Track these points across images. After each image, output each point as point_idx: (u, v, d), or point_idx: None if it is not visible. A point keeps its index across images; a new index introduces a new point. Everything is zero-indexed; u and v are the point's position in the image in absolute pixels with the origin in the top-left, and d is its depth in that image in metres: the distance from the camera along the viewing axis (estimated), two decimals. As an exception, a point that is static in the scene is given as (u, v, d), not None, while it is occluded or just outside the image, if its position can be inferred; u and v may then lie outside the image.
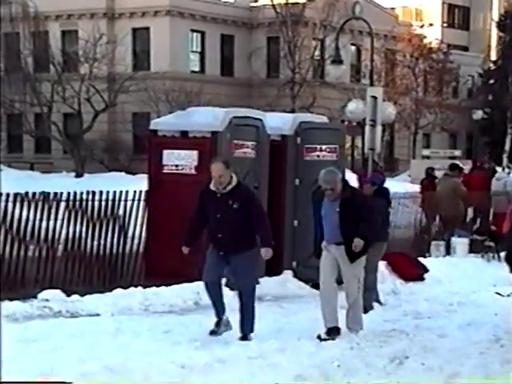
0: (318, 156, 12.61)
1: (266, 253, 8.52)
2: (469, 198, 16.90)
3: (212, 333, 8.70)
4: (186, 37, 41.41)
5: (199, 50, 42.50)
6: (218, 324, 8.79)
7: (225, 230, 8.48)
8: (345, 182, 8.83)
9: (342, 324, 8.97)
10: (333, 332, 8.70)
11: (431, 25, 50.78)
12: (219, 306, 8.85)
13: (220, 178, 8.43)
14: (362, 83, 40.22)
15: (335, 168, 9.18)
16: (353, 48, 44.40)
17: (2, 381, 5.97)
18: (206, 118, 11.72)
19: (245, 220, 8.45)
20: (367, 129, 15.18)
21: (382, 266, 12.32)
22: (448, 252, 15.74)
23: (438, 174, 18.96)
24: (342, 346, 8.43)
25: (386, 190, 11.09)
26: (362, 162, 24.16)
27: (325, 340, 8.54)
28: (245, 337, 8.62)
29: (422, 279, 12.99)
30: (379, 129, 15.19)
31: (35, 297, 10.04)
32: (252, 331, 8.71)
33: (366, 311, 10.51)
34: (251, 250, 8.58)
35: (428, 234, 16.92)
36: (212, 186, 8.56)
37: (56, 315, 9.64)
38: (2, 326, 6.26)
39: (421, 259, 13.89)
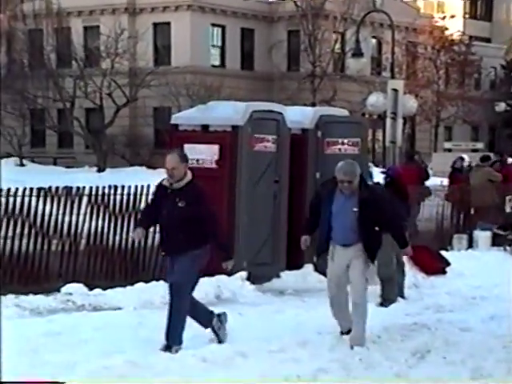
0: (340, 150, 12.61)
1: (228, 264, 8.06)
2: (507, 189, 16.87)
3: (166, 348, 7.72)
4: (206, 31, 41.45)
5: (220, 44, 42.53)
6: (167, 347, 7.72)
7: (169, 229, 7.87)
8: (362, 178, 8.15)
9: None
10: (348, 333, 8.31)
11: (453, 16, 50.45)
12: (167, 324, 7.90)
13: (173, 170, 7.79)
14: (383, 76, 40.07)
15: (355, 162, 8.43)
16: (374, 41, 44.23)
17: (2, 381, 6.00)
18: (226, 112, 11.74)
19: (190, 220, 7.74)
20: (388, 122, 15.16)
21: (403, 259, 12.32)
22: (470, 245, 15.69)
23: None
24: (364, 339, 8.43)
25: (397, 182, 11.08)
26: (382, 155, 24.09)
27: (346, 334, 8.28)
28: (168, 347, 7.68)
29: (444, 273, 12.96)
30: (400, 122, 15.18)
31: (58, 290, 10.12)
32: (179, 343, 7.75)
33: (387, 304, 10.54)
34: (194, 252, 7.81)
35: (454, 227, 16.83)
36: (165, 182, 8.00)
37: (79, 309, 9.72)
38: (3, 325, 6.30)
39: (443, 252, 13.85)
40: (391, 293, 10.74)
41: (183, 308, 7.84)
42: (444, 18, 48.98)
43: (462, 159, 19.66)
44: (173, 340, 7.75)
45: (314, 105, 35.45)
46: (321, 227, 8.18)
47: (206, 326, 8.15)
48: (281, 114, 12.01)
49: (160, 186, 8.07)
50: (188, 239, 7.78)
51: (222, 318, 8.23)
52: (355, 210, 7.99)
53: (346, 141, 12.62)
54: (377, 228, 8.12)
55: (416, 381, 7.14)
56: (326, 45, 41.76)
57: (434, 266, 12.90)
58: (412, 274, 12.35)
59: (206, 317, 8.14)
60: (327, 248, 8.22)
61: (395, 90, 14.99)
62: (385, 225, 8.15)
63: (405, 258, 12.41)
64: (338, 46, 43.09)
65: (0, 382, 5.99)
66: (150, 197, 8.42)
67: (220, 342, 8.08)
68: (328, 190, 8.15)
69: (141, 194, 11.71)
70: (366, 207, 7.98)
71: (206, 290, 10.62)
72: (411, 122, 43.91)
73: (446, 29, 47.73)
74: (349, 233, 8.05)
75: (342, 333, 8.39)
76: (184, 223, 7.74)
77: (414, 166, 16.79)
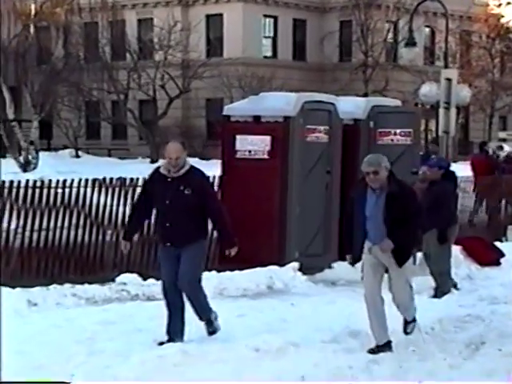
0: (392, 140, 12.57)
1: (232, 251, 7.74)
2: None
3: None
4: (258, 22, 41.49)
5: (271, 35, 42.53)
6: (162, 344, 7.51)
7: (174, 219, 7.51)
8: (391, 173, 7.57)
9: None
10: (384, 347, 7.62)
11: (509, 3, 49.66)
12: (174, 318, 7.72)
13: (177, 160, 7.50)
14: (436, 65, 39.66)
15: (381, 155, 7.81)
16: (427, 30, 43.82)
17: (2, 381, 6.07)
18: (278, 103, 11.76)
19: (196, 208, 7.52)
20: (441, 112, 15.06)
21: (457, 250, 12.23)
22: (525, 236, 15.51)
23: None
24: (417, 331, 8.41)
25: (453, 173, 11.01)
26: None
27: (377, 352, 7.50)
28: (209, 323, 7.78)
29: (498, 264, 12.82)
30: (453, 112, 15.04)
31: (113, 280, 10.26)
32: (212, 317, 7.80)
33: (440, 296, 10.49)
34: (201, 241, 7.69)
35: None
36: (163, 170, 7.62)
37: (133, 298, 9.85)
38: (4, 324, 6.38)
39: (497, 243, 13.71)
40: (444, 285, 10.68)
41: (202, 296, 7.76)
42: (500, 5, 48.20)
43: (501, 148, 19.35)
44: (207, 313, 7.74)
45: (366, 95, 35.24)
46: (356, 231, 7.69)
47: (200, 318, 7.90)
48: (333, 104, 11.99)
49: (156, 175, 7.69)
50: (197, 227, 7.59)
51: (215, 315, 7.99)
52: (382, 206, 7.50)
53: (398, 131, 12.57)
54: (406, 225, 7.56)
55: (470, 373, 7.08)
56: (379, 34, 41.50)
57: (489, 257, 12.78)
58: (466, 266, 12.27)
59: (180, 322, 7.80)
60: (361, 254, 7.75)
61: (449, 80, 14.86)
62: (405, 220, 7.51)
63: (459, 249, 12.36)
64: (390, 35, 42.80)
65: (0, 382, 6.04)
66: (140, 193, 8.00)
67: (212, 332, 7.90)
68: (360, 193, 7.67)
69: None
70: (392, 202, 7.48)
71: (257, 280, 10.69)
72: (465, 112, 43.42)
73: (502, 16, 47.00)
74: (383, 233, 7.55)
75: (378, 347, 7.58)
76: (192, 211, 7.51)
77: (483, 157, 16.63)
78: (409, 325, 7.98)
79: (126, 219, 8.03)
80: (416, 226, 7.73)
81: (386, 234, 7.50)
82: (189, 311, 7.88)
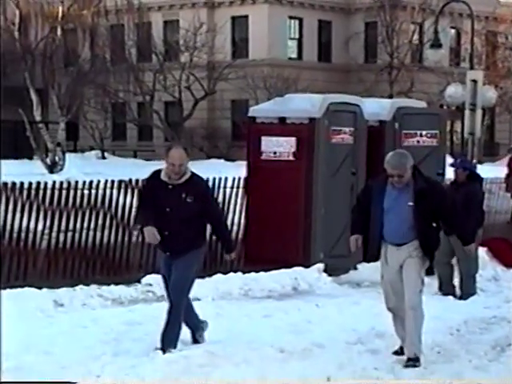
0: (418, 142, 12.55)
1: (230, 257, 7.68)
2: None
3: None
4: (283, 24, 41.49)
5: (297, 36, 42.52)
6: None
7: (173, 227, 7.26)
8: (416, 169, 7.29)
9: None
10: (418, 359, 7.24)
11: (535, 4, 49.35)
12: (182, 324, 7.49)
13: (180, 166, 7.22)
14: (462, 67, 39.45)
15: (406, 151, 7.59)
16: (452, 31, 43.59)
17: (2, 381, 6.08)
18: (303, 105, 11.78)
19: (197, 216, 7.30)
20: (467, 113, 14.98)
21: (482, 252, 12.18)
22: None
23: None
24: (443, 332, 8.39)
25: (478, 174, 10.96)
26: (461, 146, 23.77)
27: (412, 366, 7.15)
28: (163, 350, 7.27)
29: (525, 266, 12.75)
30: (479, 113, 14.97)
31: (139, 281, 10.31)
32: (175, 346, 7.35)
33: (466, 298, 10.45)
34: (198, 250, 7.46)
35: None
36: (163, 176, 7.32)
37: (159, 299, 9.87)
38: (4, 323, 6.41)
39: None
40: (471, 286, 10.65)
41: (182, 309, 7.43)
42: (526, 6, 47.93)
43: None
44: (171, 342, 7.34)
45: (391, 96, 35.16)
46: (372, 227, 7.33)
47: (192, 330, 7.70)
48: (358, 106, 11.99)
49: (156, 182, 7.39)
50: (197, 235, 7.40)
51: (204, 325, 7.84)
52: (410, 204, 7.18)
53: (424, 133, 12.55)
54: (434, 224, 7.31)
55: (496, 374, 7.06)
56: (404, 36, 41.36)
57: (515, 258, 12.71)
58: (491, 267, 12.21)
59: (195, 321, 7.74)
60: (379, 251, 7.41)
61: (474, 81, 14.79)
62: (444, 220, 7.34)
63: (484, 251, 12.30)
64: (415, 36, 42.64)
65: (0, 382, 6.06)
66: (142, 200, 7.70)
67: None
68: (378, 184, 7.32)
69: (218, 187, 11.84)
70: (422, 200, 7.16)
71: (283, 282, 10.71)
72: (491, 113, 43.12)
73: (528, 17, 46.69)
74: (403, 230, 7.22)
75: (402, 349, 7.36)
76: (194, 219, 7.29)
77: None
78: (409, 362, 7.22)
79: (136, 211, 7.74)
80: (457, 224, 7.55)
81: (416, 232, 7.19)
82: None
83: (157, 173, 7.44)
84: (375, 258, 7.49)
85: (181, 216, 7.25)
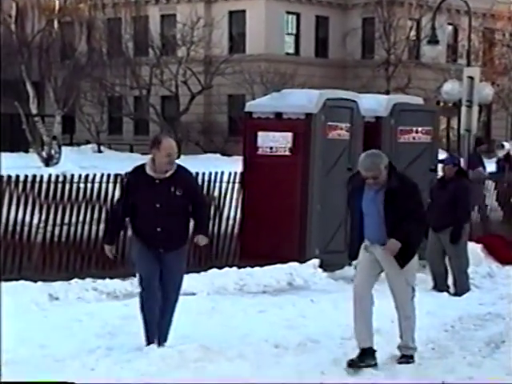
0: (414, 138, 12.58)
1: (202, 240, 7.31)
2: None
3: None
4: (281, 19, 41.47)
5: (294, 31, 42.51)
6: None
7: (165, 223, 7.04)
8: (391, 167, 7.01)
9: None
10: (368, 355, 7.05)
11: (533, 1, 49.36)
12: (154, 322, 7.25)
13: (171, 156, 7.03)
14: (459, 63, 39.51)
15: (379, 151, 7.41)
16: (450, 27, 43.63)
17: (2, 381, 6.08)
18: (300, 100, 11.77)
19: (186, 208, 7.15)
20: (463, 110, 14.96)
21: (477, 248, 12.21)
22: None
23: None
24: (437, 329, 8.41)
25: (466, 171, 11.03)
26: (457, 143, 23.80)
27: (358, 367, 6.96)
28: (159, 343, 7.20)
29: (519, 262, 12.78)
30: (476, 110, 14.95)
31: (134, 275, 10.27)
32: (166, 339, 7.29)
33: (461, 294, 10.47)
34: (186, 244, 7.33)
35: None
36: (149, 170, 7.08)
37: (154, 294, 9.89)
38: (5, 323, 6.41)
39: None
40: (464, 282, 10.67)
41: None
42: (523, 3, 47.95)
43: (502, 146, 19.06)
44: (166, 335, 7.29)
45: (388, 92, 35.18)
46: (352, 228, 7.21)
47: (149, 340, 7.28)
48: (355, 101, 11.99)
49: (140, 176, 7.14)
50: (186, 229, 7.23)
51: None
52: (383, 202, 6.96)
53: (419, 129, 12.59)
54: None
55: (490, 371, 7.07)
56: (401, 32, 41.37)
57: (509, 255, 12.73)
58: (487, 264, 12.24)
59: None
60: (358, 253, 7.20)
61: (471, 78, 14.76)
62: (405, 216, 6.94)
63: (479, 248, 12.33)
64: (413, 33, 42.65)
65: (0, 382, 6.06)
66: (121, 195, 7.48)
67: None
68: (356, 186, 7.12)
69: (215, 181, 11.84)
70: (393, 199, 6.91)
71: (278, 277, 10.71)
72: (487, 110, 43.20)
73: (526, 14, 46.69)
74: (383, 229, 6.99)
75: (353, 365, 6.96)
76: (184, 213, 7.14)
77: None
78: (403, 359, 7.19)
79: (107, 222, 7.45)
80: (418, 223, 7.08)
81: (387, 233, 6.96)
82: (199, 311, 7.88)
83: (140, 168, 7.18)
84: (356, 256, 7.28)
85: (172, 211, 7.07)
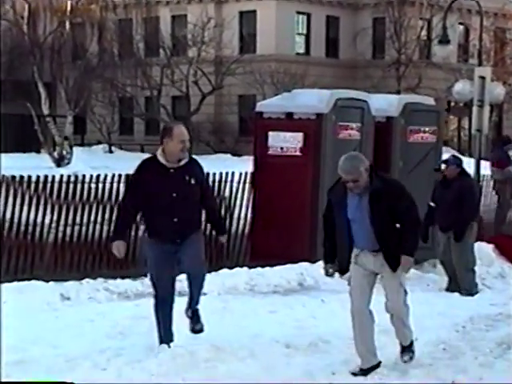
0: (422, 138, 12.60)
1: (223, 239, 7.42)
2: None
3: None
4: (291, 19, 41.45)
5: (305, 32, 42.48)
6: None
7: (182, 212, 6.90)
8: (372, 168, 6.74)
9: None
10: (370, 369, 6.90)
11: (544, 1, 49.18)
12: (168, 322, 7.23)
13: (184, 143, 6.93)
14: (470, 63, 39.39)
15: (359, 154, 7.26)
16: (461, 27, 43.51)
17: (2, 381, 6.08)
18: (311, 100, 11.78)
19: (199, 198, 7.05)
20: (474, 109, 14.93)
21: (488, 249, 12.19)
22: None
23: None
24: (448, 329, 8.40)
25: (468, 172, 11.05)
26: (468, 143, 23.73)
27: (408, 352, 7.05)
28: (197, 317, 7.27)
29: (531, 263, 12.74)
30: (487, 109, 14.91)
31: (145, 275, 10.32)
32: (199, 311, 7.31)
33: (470, 293, 10.45)
34: (200, 228, 7.22)
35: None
36: (162, 160, 6.93)
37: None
38: (7, 323, 6.41)
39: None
40: (471, 281, 10.66)
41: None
42: (535, 2, 47.77)
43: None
44: (198, 319, 7.27)
45: (398, 92, 35.11)
46: (339, 239, 6.83)
47: (193, 311, 7.38)
48: (365, 101, 11.98)
49: (153, 166, 6.98)
50: (200, 219, 7.12)
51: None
52: (368, 206, 6.69)
53: (427, 129, 12.60)
54: (398, 225, 6.74)
55: (501, 372, 7.06)
56: (412, 32, 41.28)
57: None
58: (498, 264, 12.21)
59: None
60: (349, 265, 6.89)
61: (482, 78, 14.72)
62: (400, 217, 6.70)
63: (491, 248, 12.30)
64: (424, 32, 42.57)
65: (0, 382, 6.07)
66: (131, 188, 7.24)
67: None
68: (338, 194, 6.82)
69: (225, 181, 11.86)
70: (378, 201, 6.64)
71: (288, 277, 10.72)
72: (498, 110, 43.04)
73: (537, 14, 46.54)
74: (373, 237, 6.73)
75: (361, 370, 6.83)
76: (198, 202, 7.02)
77: None
78: (405, 352, 7.12)
79: (116, 217, 7.32)
80: (413, 225, 6.80)
81: (376, 238, 6.70)
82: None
83: (150, 160, 7.06)
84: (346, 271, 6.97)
85: (188, 200, 6.93)
